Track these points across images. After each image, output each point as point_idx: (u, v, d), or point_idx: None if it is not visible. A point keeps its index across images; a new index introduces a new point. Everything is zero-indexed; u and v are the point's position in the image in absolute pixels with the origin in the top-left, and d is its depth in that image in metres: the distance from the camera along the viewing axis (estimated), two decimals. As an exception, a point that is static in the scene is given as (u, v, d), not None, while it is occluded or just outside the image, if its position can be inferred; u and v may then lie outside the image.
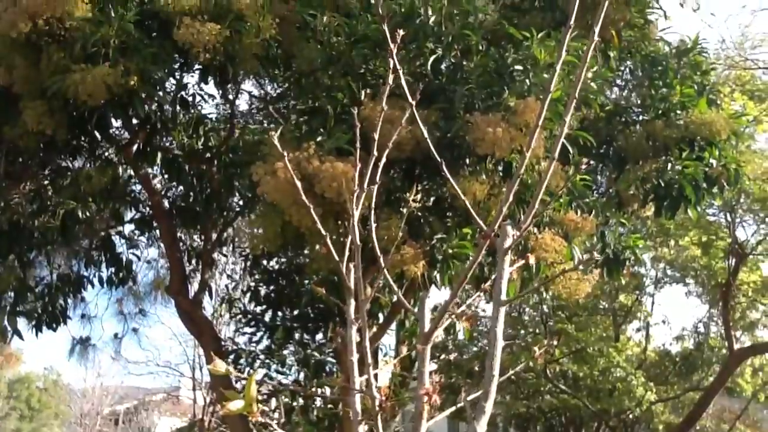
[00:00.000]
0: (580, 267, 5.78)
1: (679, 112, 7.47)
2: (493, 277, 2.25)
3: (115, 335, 11.35)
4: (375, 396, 1.90)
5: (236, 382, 8.59)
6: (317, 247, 5.50)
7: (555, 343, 12.42)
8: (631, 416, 14.23)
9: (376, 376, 2.27)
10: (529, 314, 14.19)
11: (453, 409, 2.20)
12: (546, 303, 12.16)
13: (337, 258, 2.26)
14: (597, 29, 1.80)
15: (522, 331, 13.13)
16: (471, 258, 2.24)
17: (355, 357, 2.07)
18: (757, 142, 13.22)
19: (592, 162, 7.16)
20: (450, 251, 5.63)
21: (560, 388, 12.98)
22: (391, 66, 2.05)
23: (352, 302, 2.16)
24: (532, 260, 2.10)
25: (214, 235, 9.76)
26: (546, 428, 14.84)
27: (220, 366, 1.79)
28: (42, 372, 32.43)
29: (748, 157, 9.43)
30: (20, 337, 8.85)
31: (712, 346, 15.43)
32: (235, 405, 1.67)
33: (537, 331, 13.30)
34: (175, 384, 19.10)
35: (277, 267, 9.53)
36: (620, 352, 13.19)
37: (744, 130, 10.32)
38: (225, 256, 10.88)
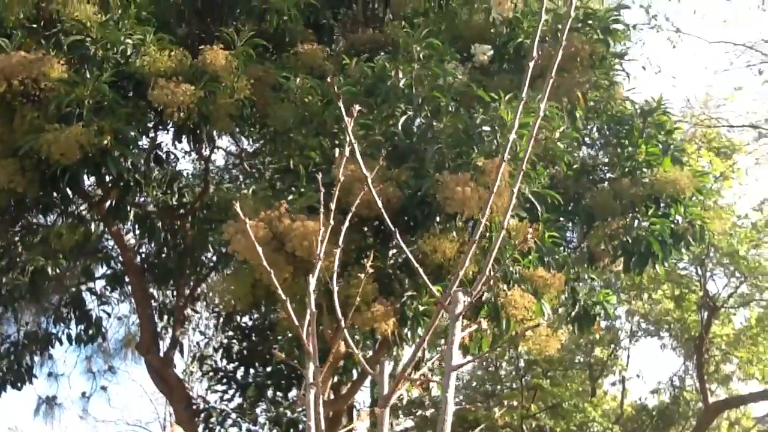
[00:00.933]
0: (547, 323, 5.83)
1: (644, 170, 7.67)
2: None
3: (83, 394, 11.11)
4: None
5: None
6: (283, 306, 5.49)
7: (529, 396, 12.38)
8: (609, 472, 14.08)
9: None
10: (505, 369, 14.14)
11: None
12: (522, 357, 12.16)
13: (297, 323, 2.28)
14: (545, 95, 1.89)
15: (498, 387, 13.07)
16: (429, 322, 2.27)
17: (313, 421, 2.08)
18: (723, 197, 13.58)
19: (561, 219, 7.29)
20: (420, 308, 5.66)
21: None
22: (348, 141, 2.12)
23: (311, 365, 2.17)
24: (484, 324, 2.14)
25: (187, 291, 9.70)
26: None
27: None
28: (6, 432, 31.31)
29: (714, 213, 9.67)
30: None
31: (688, 400, 15.42)
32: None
33: (513, 385, 13.24)
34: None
35: (250, 324, 9.47)
36: (596, 406, 13.13)
37: (710, 186, 10.62)
38: (197, 312, 10.78)
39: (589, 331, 7.54)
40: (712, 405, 13.09)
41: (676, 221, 7.49)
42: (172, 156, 8.68)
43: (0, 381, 8.94)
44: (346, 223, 2.78)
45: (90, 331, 9.33)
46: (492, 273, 2.04)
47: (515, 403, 12.08)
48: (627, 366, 15.34)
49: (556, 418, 13.15)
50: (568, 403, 12.48)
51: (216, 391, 9.39)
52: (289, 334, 6.74)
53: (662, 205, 7.50)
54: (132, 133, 6.41)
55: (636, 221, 7.41)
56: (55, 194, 7.60)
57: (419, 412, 13.67)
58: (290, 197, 5.78)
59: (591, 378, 14.71)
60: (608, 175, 7.96)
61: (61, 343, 9.63)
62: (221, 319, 9.70)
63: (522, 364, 12.57)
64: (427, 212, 5.81)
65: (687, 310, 14.40)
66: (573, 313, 7.24)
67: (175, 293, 9.84)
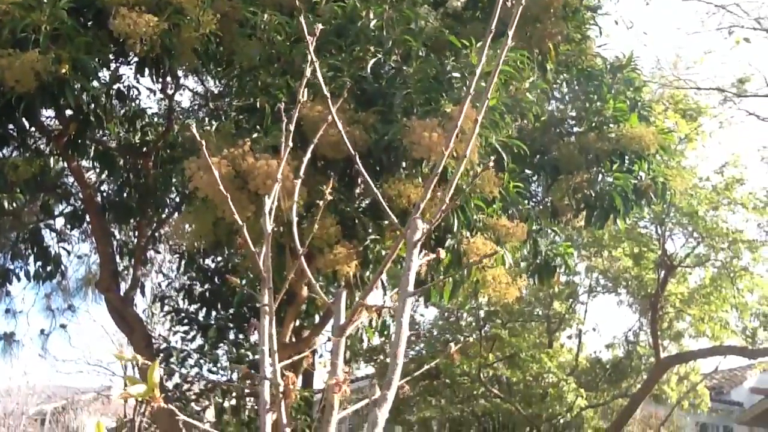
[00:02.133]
0: (507, 272, 5.90)
1: (611, 125, 7.72)
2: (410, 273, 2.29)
3: (42, 331, 11.00)
4: (279, 383, 1.91)
5: (165, 380, 8.45)
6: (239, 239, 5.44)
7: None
8: (561, 421, 14.55)
9: (301, 368, 2.27)
10: (465, 320, 14.38)
11: (362, 404, 2.22)
12: (482, 309, 12.37)
13: (252, 247, 2.25)
14: (511, 32, 1.85)
15: (459, 336, 13.31)
16: (387, 253, 2.26)
17: (266, 346, 2.07)
18: (687, 158, 13.80)
19: (526, 170, 7.32)
20: (383, 252, 5.67)
21: (494, 393, 13.19)
22: (309, 59, 2.06)
23: (266, 291, 2.16)
24: (442, 254, 2.14)
25: (149, 232, 9.57)
26: (479, 432, 15.06)
27: (126, 353, 1.76)
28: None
29: (677, 172, 9.81)
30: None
31: (641, 354, 15.93)
32: (136, 389, 1.65)
33: (473, 336, 13.50)
34: (105, 383, 18.58)
35: (212, 266, 9.41)
36: (552, 358, 13.49)
37: (675, 146, 10.75)
38: (159, 253, 10.68)
39: (549, 284, 7.67)
40: (664, 360, 13.54)
41: (639, 177, 7.59)
42: (135, 92, 8.42)
43: (-45, 315, 8.80)
44: (308, 156, 2.73)
45: (48, 268, 9.19)
46: (450, 203, 2.03)
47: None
48: (584, 320, 15.74)
49: (512, 368, 13.49)
50: (526, 353, 12.78)
51: (177, 332, 9.39)
52: (250, 275, 6.70)
53: (626, 161, 7.58)
54: (92, 64, 6.18)
55: (600, 176, 7.50)
56: (11, 126, 7.36)
57: (379, 359, 13.88)
58: (255, 136, 5.68)
59: (548, 331, 15.07)
60: (575, 129, 7.99)
61: (18, 279, 9.49)
62: (183, 261, 9.62)
63: (482, 314, 12.79)
64: (394, 157, 5.78)
65: (645, 268, 14.75)
66: (534, 265, 7.35)
67: (136, 233, 9.71)
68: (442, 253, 2.51)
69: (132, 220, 9.37)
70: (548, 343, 14.53)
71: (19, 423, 22.10)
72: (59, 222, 9.92)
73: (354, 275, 5.53)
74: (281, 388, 1.88)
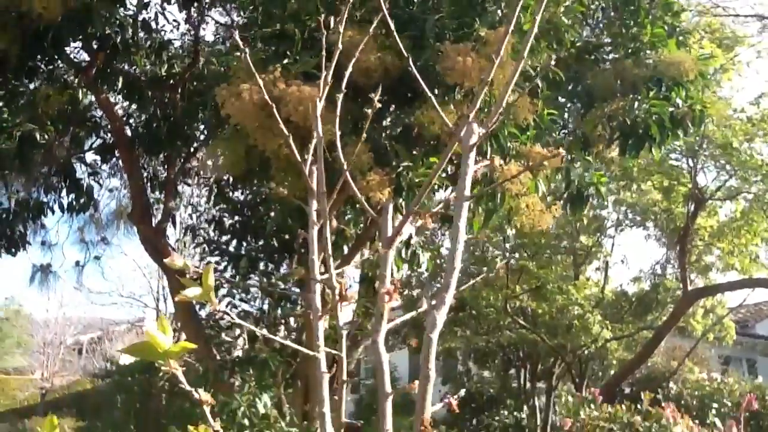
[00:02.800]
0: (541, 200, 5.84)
1: (648, 51, 7.46)
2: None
3: (77, 263, 11.25)
4: (335, 286, 1.92)
5: (198, 309, 8.63)
6: (281, 172, 5.44)
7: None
8: (586, 352, 14.72)
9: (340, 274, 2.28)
10: (491, 253, 14.40)
11: (413, 314, 2.23)
12: (508, 241, 12.36)
13: (299, 157, 2.22)
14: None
15: (485, 269, 13.37)
16: (438, 162, 2.21)
17: (316, 256, 2.07)
18: (722, 89, 13.40)
19: (561, 98, 7.15)
20: (416, 180, 5.63)
21: (519, 323, 13.32)
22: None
23: (314, 203, 2.15)
24: (497, 161, 2.11)
25: (178, 165, 9.62)
26: (504, 362, 15.31)
27: (177, 260, 1.77)
28: (2, 303, 32.12)
29: (713, 101, 9.53)
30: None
31: (668, 287, 15.92)
32: (192, 292, 1.65)
33: (499, 269, 13.52)
34: (138, 315, 19.12)
35: (241, 198, 9.47)
36: (579, 290, 13.53)
37: (711, 74, 10.42)
38: (189, 185, 10.76)
39: (581, 214, 7.59)
40: (691, 292, 13.52)
41: (676, 105, 7.38)
42: (161, 22, 8.32)
43: (-6, 247, 9.01)
44: (345, 81, 2.66)
45: (81, 200, 9.32)
46: (502, 108, 1.98)
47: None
48: (611, 254, 15.70)
49: (538, 300, 13.56)
50: (552, 285, 12.82)
51: (209, 263, 9.52)
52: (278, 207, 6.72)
53: (664, 87, 7.35)
54: (118, -10, 6.09)
55: (636, 103, 7.30)
56: (39, 57, 7.34)
57: (405, 292, 14.04)
58: (285, 62, 5.59)
59: (575, 264, 15.07)
60: (611, 55, 7.75)
61: (53, 212, 9.64)
62: (213, 194, 9.68)
63: (509, 247, 12.80)
64: (427, 82, 5.65)
65: (674, 202, 14.58)
66: (566, 194, 7.26)
67: (166, 166, 9.77)
68: (497, 160, 2.47)
69: (161, 153, 9.40)
70: (574, 276, 14.55)
71: (57, 352, 22.97)
72: (90, 156, 10.01)
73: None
74: (337, 291, 1.89)
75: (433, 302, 1.69)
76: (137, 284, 31.95)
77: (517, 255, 13.27)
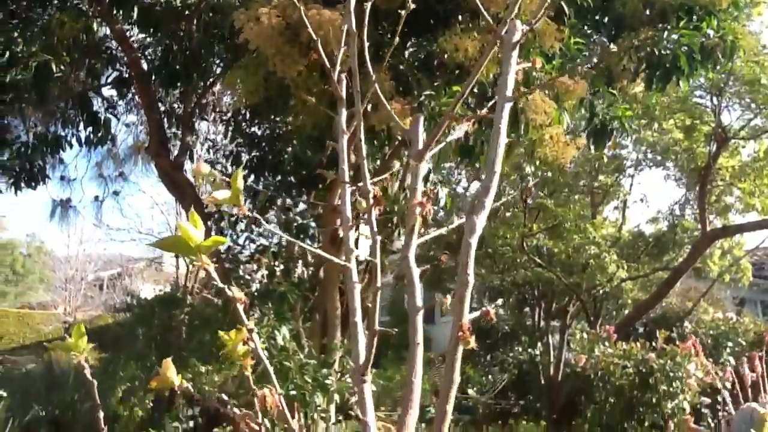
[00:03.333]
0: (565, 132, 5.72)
1: (679, -22, 7.18)
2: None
3: (96, 198, 11.31)
4: (369, 190, 1.87)
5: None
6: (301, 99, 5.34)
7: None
8: (601, 292, 14.76)
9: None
10: (508, 193, 14.30)
11: (443, 230, 2.18)
12: (527, 179, 12.23)
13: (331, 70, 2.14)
14: None
15: (502, 207, 13.30)
16: (479, 60, 2.11)
17: (346, 164, 2.02)
18: (752, 22, 12.94)
19: (587, 27, 6.93)
20: (438, 109, 5.51)
21: (535, 261, 13.32)
22: None
23: (344, 112, 2.08)
24: (538, 64, 2.01)
25: (195, 99, 9.52)
26: (519, 301, 15.38)
27: (204, 168, 1.72)
28: (24, 239, 32.68)
29: (744, 34, 9.18)
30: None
31: (686, 228, 15.81)
32: (221, 194, 1.62)
33: (517, 207, 13.47)
34: (157, 252, 19.36)
35: (259, 133, 9.39)
36: (597, 228, 13.46)
37: (743, 3, 10.03)
38: (206, 120, 10.68)
39: (604, 146, 7.44)
40: (710, 232, 13.41)
41: (706, 35, 7.14)
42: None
43: (15, 179, 9.05)
44: (368, 5, 2.54)
45: (99, 134, 9.28)
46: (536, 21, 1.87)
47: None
48: (630, 192, 15.55)
49: (555, 240, 13.52)
50: (570, 223, 12.75)
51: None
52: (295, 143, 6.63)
53: (694, 17, 7.10)
54: None
55: (665, 33, 7.06)
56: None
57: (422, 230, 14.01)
58: (305, -15, 5.41)
59: (592, 204, 14.96)
60: (640, -18, 7.46)
61: (71, 146, 9.63)
62: (230, 129, 9.61)
63: (527, 184, 12.67)
64: (450, 8, 5.48)
65: (696, 141, 14.30)
66: (589, 128, 7.12)
67: (182, 101, 9.67)
68: (539, 62, 2.38)
69: (178, 87, 9.30)
70: (591, 216, 14.46)
71: (79, 288, 23.42)
72: (107, 92, 9.93)
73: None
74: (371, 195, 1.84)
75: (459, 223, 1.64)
76: (155, 222, 32.29)
77: (535, 193, 13.15)
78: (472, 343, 1.46)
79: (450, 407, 1.62)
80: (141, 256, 21.75)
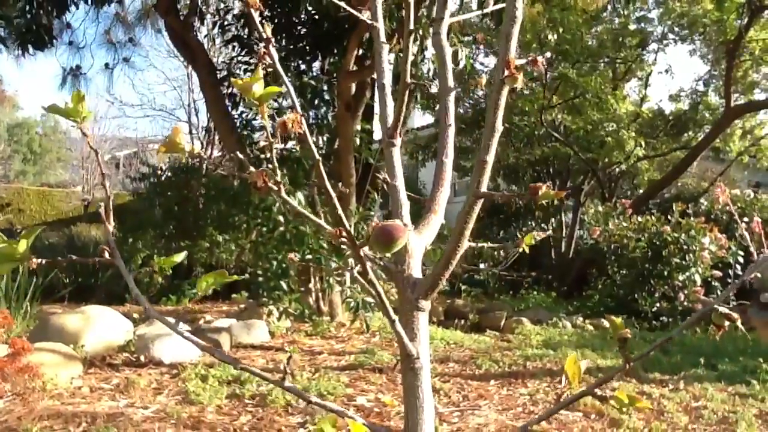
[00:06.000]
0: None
1: None
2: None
3: (106, 65, 11.08)
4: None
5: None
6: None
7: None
8: (617, 170, 14.64)
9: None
10: (527, 68, 13.84)
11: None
12: (547, 48, 11.80)
13: None
14: None
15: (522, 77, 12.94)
16: None
17: (380, 14, 1.85)
18: None
19: None
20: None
21: (554, 135, 13.12)
22: None
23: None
24: None
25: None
26: (533, 179, 15.31)
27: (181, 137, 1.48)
28: (39, 119, 32.57)
29: None
30: (4, 44, 8.57)
31: (708, 106, 15.42)
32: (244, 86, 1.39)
33: (536, 79, 13.10)
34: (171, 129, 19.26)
35: (270, -8, 8.99)
36: (619, 100, 13.13)
37: None
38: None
39: (635, 4, 7.06)
40: (734, 108, 13.05)
41: None
42: None
43: (21, 41, 8.83)
44: None
45: (106, -8, 8.95)
46: None
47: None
48: (654, 63, 15.04)
49: (573, 115, 13.26)
50: (591, 94, 12.42)
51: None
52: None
53: None
54: None
55: None
56: None
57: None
58: None
59: (614, 78, 14.54)
60: None
61: (77, 6, 9.30)
62: (240, -12, 9.21)
63: (548, 55, 12.27)
64: None
65: (727, 12, 13.64)
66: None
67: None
68: None
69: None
70: (612, 89, 14.09)
71: (96, 166, 23.64)
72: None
73: None
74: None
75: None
76: (168, 99, 32.00)
77: (556, 64, 12.74)
78: (520, 82, 1.34)
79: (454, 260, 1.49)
80: (156, 135, 21.73)
